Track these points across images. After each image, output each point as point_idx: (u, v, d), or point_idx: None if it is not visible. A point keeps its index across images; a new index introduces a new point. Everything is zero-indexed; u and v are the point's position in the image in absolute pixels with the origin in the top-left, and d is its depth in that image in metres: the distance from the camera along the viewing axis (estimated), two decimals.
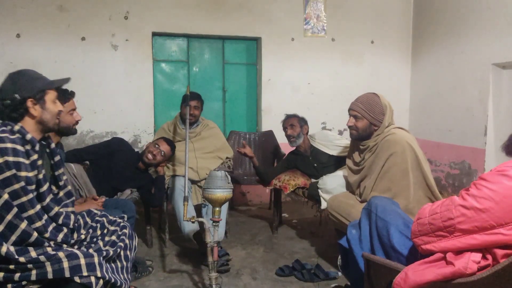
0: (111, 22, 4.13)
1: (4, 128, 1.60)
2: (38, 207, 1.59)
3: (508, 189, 1.25)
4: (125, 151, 3.11)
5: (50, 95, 1.72)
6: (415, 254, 1.56)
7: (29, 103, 1.64)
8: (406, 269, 1.42)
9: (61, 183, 1.82)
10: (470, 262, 1.28)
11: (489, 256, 1.30)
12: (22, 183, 1.52)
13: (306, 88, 4.72)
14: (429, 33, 4.64)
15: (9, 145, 1.53)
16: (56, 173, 1.81)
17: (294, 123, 3.34)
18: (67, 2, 4.01)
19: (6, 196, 1.48)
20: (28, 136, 1.62)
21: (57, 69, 3.97)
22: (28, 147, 1.61)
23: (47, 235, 1.59)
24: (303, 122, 3.39)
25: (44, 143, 1.79)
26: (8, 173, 1.50)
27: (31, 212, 1.55)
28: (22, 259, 1.46)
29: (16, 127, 1.61)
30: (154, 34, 4.33)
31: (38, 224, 1.57)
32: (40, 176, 1.63)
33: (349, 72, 4.81)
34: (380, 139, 2.56)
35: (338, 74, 4.79)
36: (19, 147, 1.56)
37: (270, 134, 4.31)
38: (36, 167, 1.61)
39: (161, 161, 3.11)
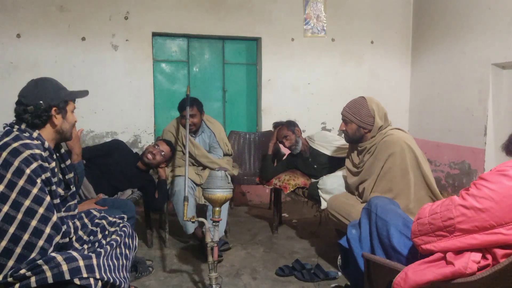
0: (111, 22, 4.13)
1: (24, 134, 1.60)
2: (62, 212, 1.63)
3: (508, 189, 1.25)
4: (123, 151, 3.15)
5: (70, 106, 1.78)
6: (415, 254, 1.56)
7: (53, 111, 1.67)
8: (406, 269, 1.42)
9: (72, 187, 1.84)
10: (470, 262, 1.28)
11: (489, 256, 1.30)
12: (54, 186, 1.55)
13: (306, 88, 4.72)
14: (429, 33, 4.64)
15: (37, 151, 1.55)
16: (67, 176, 1.83)
17: (286, 133, 3.34)
18: (67, 2, 4.01)
19: (48, 198, 1.51)
20: (46, 144, 1.64)
21: (57, 69, 3.98)
22: (46, 154, 1.62)
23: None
24: (292, 126, 3.37)
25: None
26: (43, 176, 1.52)
27: (59, 215, 1.60)
28: (22, 271, 1.46)
29: (35, 134, 1.63)
30: (154, 34, 4.33)
31: (64, 228, 1.62)
32: (56, 180, 1.65)
33: (349, 72, 4.81)
34: (378, 141, 2.58)
35: (338, 74, 4.79)
36: (44, 154, 1.58)
37: (270, 134, 4.30)
38: (55, 174, 1.63)
39: (160, 162, 3.12)
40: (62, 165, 1.82)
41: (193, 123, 3.29)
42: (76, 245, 1.74)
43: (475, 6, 3.96)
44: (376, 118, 2.58)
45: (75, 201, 1.88)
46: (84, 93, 1.85)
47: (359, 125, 2.61)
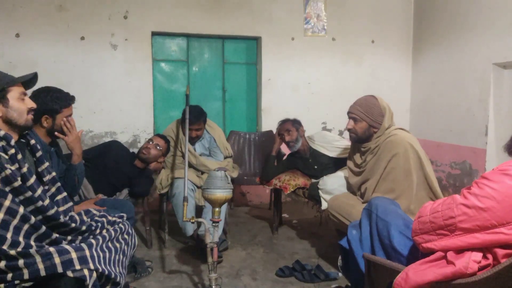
0: (110, 21, 4.12)
1: None
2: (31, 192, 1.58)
3: (510, 189, 1.23)
4: (120, 150, 3.16)
5: (13, 93, 1.70)
6: (416, 255, 1.55)
7: None
8: (407, 269, 1.41)
9: (45, 179, 1.80)
10: (471, 261, 1.27)
11: (489, 256, 1.29)
12: (8, 171, 1.50)
13: (306, 88, 4.71)
14: (430, 33, 4.63)
15: None
16: (39, 169, 1.79)
17: (290, 128, 3.34)
18: (66, 1, 3.99)
19: None
20: (1, 133, 1.59)
21: (56, 68, 3.97)
22: (3, 143, 1.58)
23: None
24: (297, 124, 3.38)
25: (23, 141, 1.77)
26: None
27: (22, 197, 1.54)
28: (12, 252, 1.43)
29: None
30: (154, 34, 4.32)
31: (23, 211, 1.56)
32: (24, 170, 1.61)
33: (349, 72, 4.80)
34: (382, 141, 2.55)
35: (338, 74, 4.77)
36: None
37: (270, 134, 4.29)
38: (16, 161, 1.59)
39: (157, 155, 3.12)
40: (34, 159, 1.79)
41: (197, 136, 3.35)
42: (69, 238, 1.72)
43: (475, 6, 3.95)
44: (385, 117, 2.56)
45: (64, 195, 1.84)
46: (26, 76, 1.75)
47: (371, 124, 2.56)
